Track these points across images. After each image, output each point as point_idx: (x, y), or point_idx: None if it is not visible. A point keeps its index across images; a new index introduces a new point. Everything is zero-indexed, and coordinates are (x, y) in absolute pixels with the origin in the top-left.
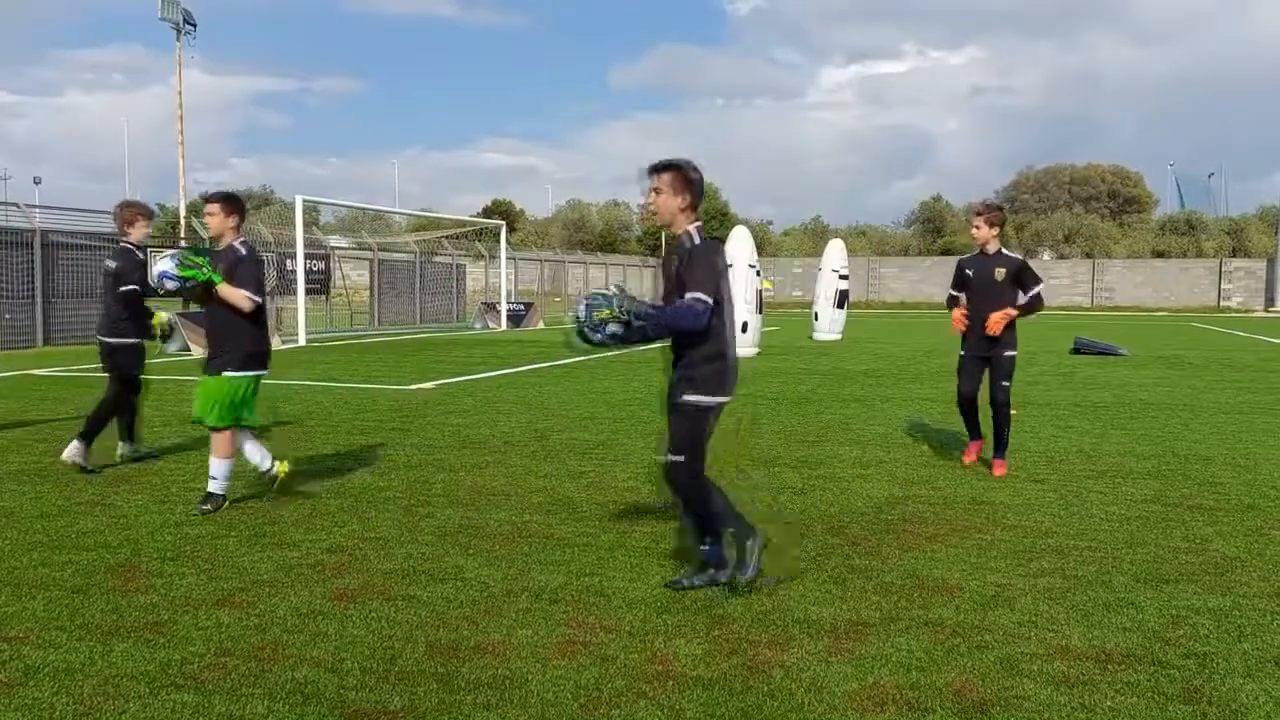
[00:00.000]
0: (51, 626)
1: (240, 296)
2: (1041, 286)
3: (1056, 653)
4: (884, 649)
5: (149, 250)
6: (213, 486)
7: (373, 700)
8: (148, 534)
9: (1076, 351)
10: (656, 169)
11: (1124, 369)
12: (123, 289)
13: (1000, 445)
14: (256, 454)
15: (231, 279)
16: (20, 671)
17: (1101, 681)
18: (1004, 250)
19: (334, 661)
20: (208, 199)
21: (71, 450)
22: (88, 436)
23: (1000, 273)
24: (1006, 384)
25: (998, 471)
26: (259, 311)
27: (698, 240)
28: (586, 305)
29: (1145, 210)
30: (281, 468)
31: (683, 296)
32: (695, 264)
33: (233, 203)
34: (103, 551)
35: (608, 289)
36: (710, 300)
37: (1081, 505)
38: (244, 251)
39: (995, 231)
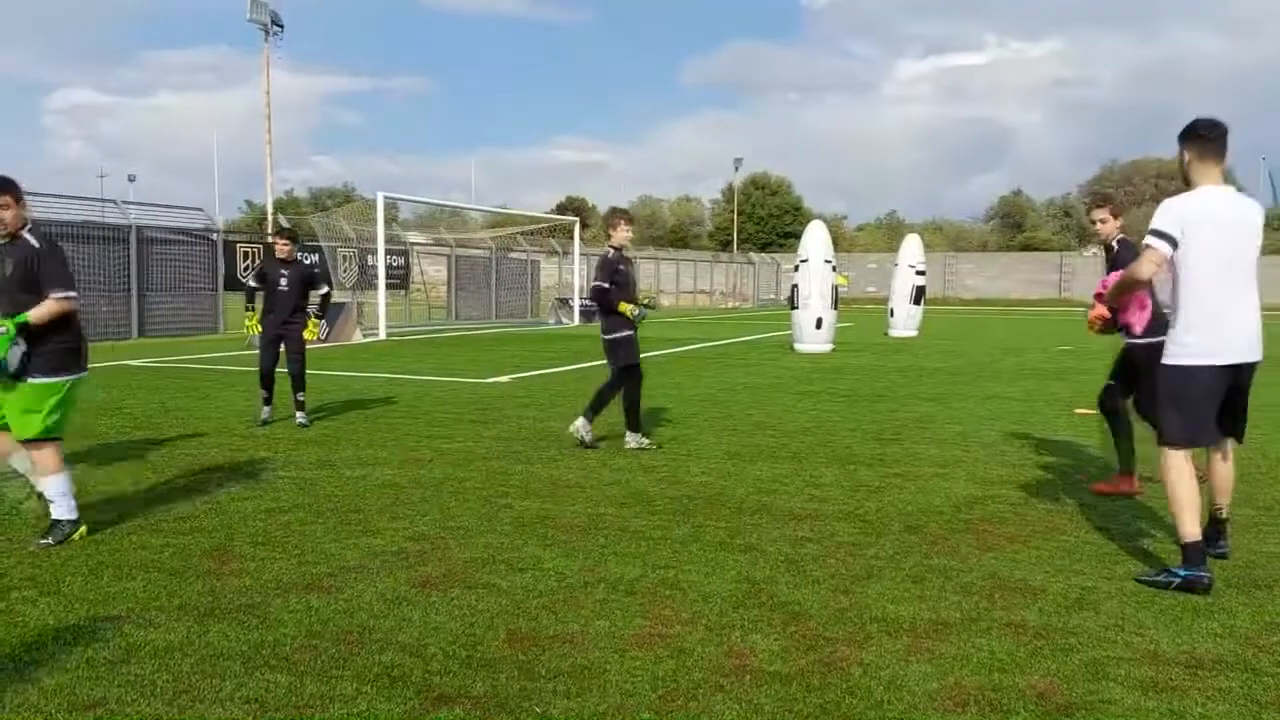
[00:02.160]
0: (151, 606)
1: (54, 307)
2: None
3: (1144, 657)
4: (965, 649)
5: (622, 250)
6: (56, 512)
7: (456, 685)
8: (240, 519)
9: None
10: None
11: None
12: (592, 285)
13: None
14: (65, 496)
15: (33, 280)
16: (122, 649)
17: (1191, 688)
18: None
19: (418, 646)
20: None
21: (579, 425)
22: (628, 416)
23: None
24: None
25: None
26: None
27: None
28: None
29: None
30: (79, 531)
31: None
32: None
33: (18, 190)
34: (198, 535)
35: None
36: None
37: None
38: (38, 244)
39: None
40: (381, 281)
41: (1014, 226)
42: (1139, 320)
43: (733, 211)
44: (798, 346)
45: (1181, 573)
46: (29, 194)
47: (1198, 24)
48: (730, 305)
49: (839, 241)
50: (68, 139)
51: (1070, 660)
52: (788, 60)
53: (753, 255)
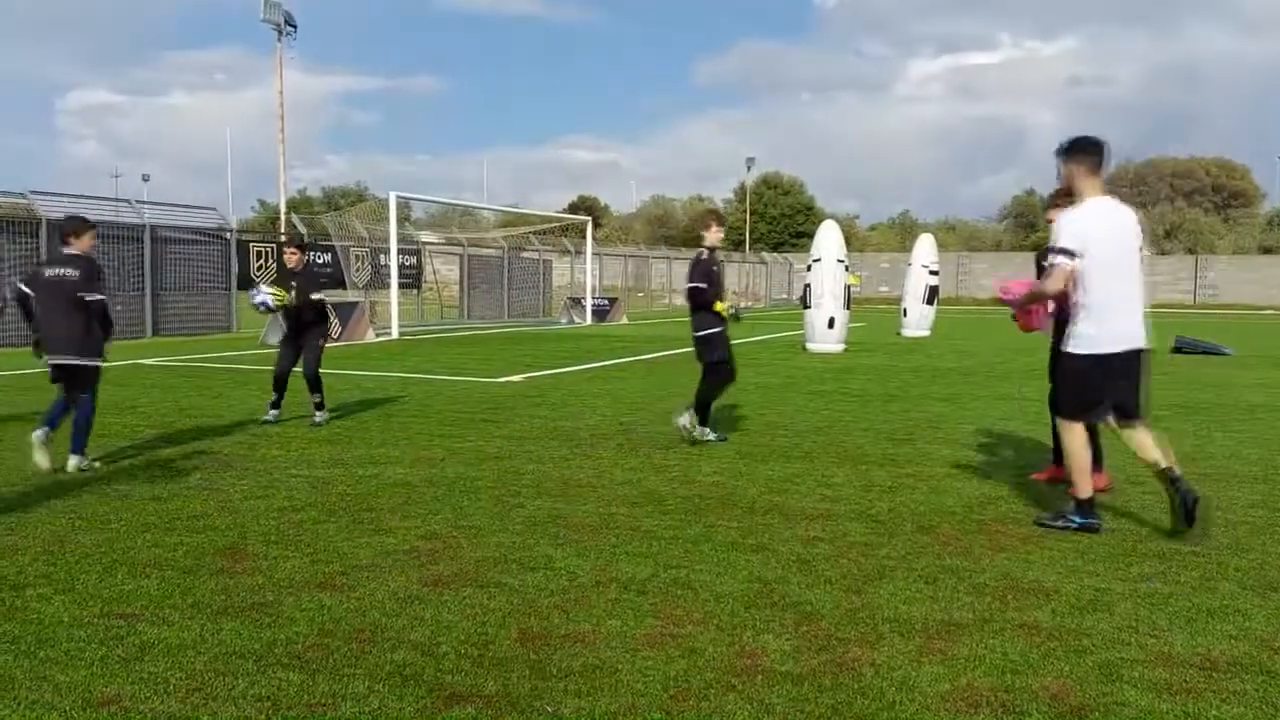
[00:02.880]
0: (165, 605)
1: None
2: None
3: (1158, 659)
4: (977, 650)
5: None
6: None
7: (468, 684)
8: (252, 518)
9: (1178, 351)
10: None
11: (1229, 369)
12: (689, 286)
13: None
14: None
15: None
16: (137, 647)
17: (1206, 690)
18: None
19: (430, 645)
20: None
21: (684, 419)
22: (700, 409)
23: None
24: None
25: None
26: None
27: None
28: None
29: (1252, 204)
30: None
31: None
32: None
33: None
34: (211, 534)
35: None
36: None
37: None
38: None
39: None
40: (394, 281)
41: (1028, 226)
42: (1045, 323)
43: (745, 211)
44: (810, 346)
45: (1078, 519)
46: (43, 193)
47: (1214, 22)
48: (742, 305)
49: (851, 241)
50: (82, 139)
51: (1084, 662)
52: (800, 60)
53: (765, 255)
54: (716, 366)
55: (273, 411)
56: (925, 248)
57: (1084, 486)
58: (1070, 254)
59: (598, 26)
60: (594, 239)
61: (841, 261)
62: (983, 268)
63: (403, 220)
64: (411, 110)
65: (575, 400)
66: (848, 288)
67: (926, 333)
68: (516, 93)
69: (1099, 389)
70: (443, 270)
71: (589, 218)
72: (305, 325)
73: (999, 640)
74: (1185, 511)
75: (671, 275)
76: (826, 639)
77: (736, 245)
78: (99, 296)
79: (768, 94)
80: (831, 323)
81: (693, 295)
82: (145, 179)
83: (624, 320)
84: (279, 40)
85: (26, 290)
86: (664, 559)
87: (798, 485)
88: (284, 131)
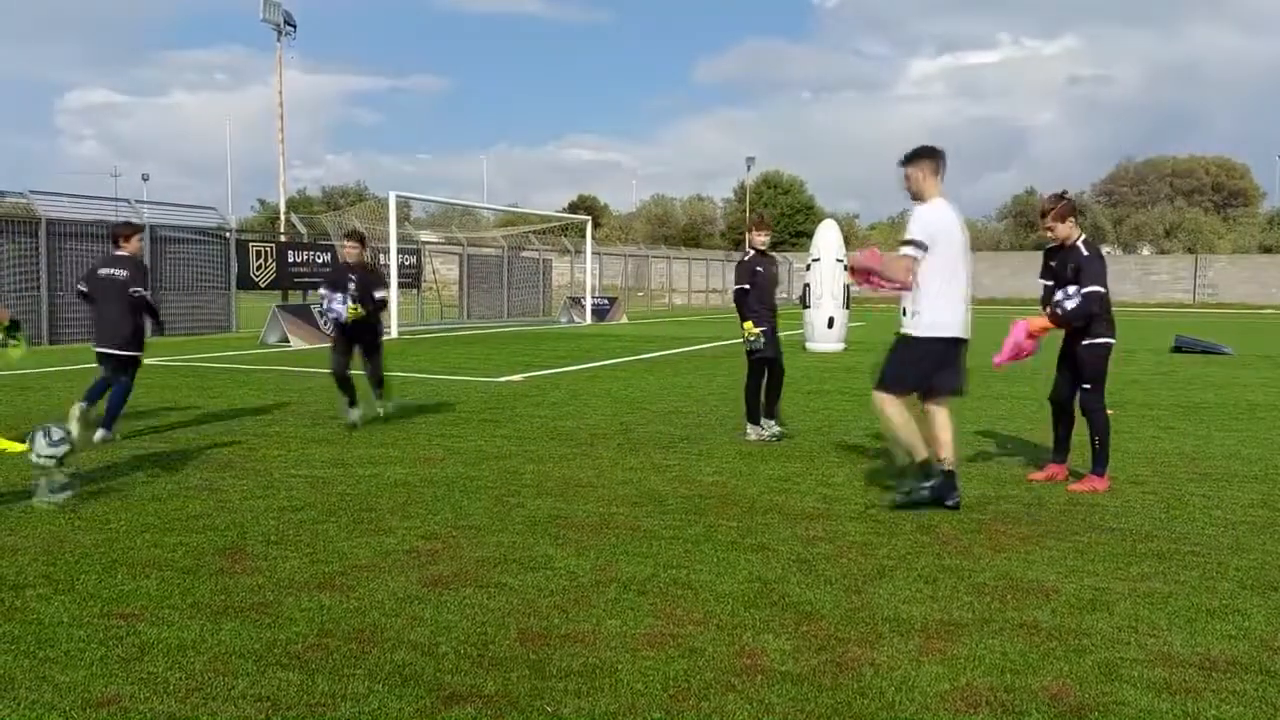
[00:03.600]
0: (164, 605)
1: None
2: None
3: (1158, 659)
4: (977, 650)
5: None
6: None
7: (468, 684)
8: (252, 518)
9: (1178, 350)
10: None
11: (1228, 368)
12: (736, 288)
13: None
14: None
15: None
16: (136, 647)
17: (1206, 689)
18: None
19: (430, 645)
20: None
21: (750, 431)
22: (769, 407)
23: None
24: (1087, 387)
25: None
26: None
27: None
28: None
29: (1252, 204)
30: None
31: None
32: None
33: None
34: (211, 534)
35: None
36: None
37: (1183, 509)
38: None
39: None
40: (394, 280)
41: (1027, 225)
42: (878, 289)
43: (745, 210)
44: (809, 346)
45: (926, 486)
46: (43, 193)
47: (1215, 20)
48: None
49: (851, 240)
50: (82, 139)
51: (1083, 661)
52: (801, 59)
53: None
54: (760, 364)
55: (353, 411)
56: None
57: (917, 447)
58: (922, 247)
59: (599, 26)
60: (594, 238)
61: (841, 261)
62: (982, 267)
63: (402, 220)
64: (412, 110)
65: (575, 400)
66: (847, 287)
67: None
68: (518, 92)
69: (930, 371)
70: (442, 270)
71: (589, 217)
72: (360, 328)
73: (999, 640)
74: (914, 498)
75: (671, 275)
76: (826, 639)
77: (737, 245)
78: (137, 289)
79: (768, 93)
80: (831, 322)
81: (736, 298)
82: (145, 179)
83: (624, 320)
84: (278, 40)
85: (84, 289)
86: (664, 559)
87: (798, 485)
88: (284, 131)
